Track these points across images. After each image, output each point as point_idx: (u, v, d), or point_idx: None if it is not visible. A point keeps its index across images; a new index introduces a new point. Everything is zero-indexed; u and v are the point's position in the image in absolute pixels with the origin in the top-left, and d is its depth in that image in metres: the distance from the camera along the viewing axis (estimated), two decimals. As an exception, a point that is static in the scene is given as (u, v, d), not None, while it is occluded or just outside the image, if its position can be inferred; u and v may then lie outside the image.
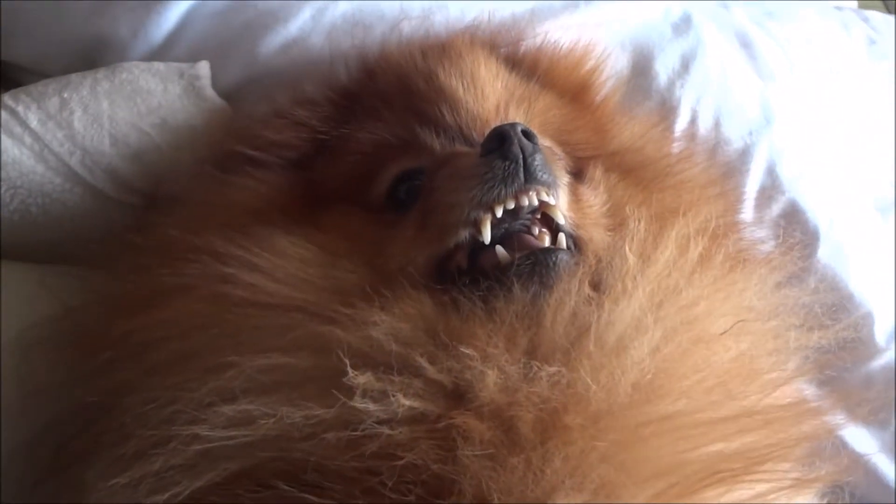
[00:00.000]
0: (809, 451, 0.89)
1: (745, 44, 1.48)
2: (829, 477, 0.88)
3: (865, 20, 1.69)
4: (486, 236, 0.89)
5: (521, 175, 0.90)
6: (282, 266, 0.91)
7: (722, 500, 0.78)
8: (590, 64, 1.22)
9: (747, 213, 1.29)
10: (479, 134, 1.01)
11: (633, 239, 0.93)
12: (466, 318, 0.83)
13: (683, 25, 1.45)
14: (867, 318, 1.25)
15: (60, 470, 0.92)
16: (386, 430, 0.75)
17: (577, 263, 0.89)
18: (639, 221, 0.94)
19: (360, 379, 0.77)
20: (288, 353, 0.82)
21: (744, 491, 0.79)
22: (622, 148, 1.15)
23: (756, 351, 0.91)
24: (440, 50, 1.13)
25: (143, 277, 0.96)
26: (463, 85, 1.06)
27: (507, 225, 0.91)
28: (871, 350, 1.24)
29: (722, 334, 0.87)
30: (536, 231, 0.92)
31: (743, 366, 0.88)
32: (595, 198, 1.04)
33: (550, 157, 0.96)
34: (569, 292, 0.85)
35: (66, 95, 1.17)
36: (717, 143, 1.33)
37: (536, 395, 0.78)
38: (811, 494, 0.88)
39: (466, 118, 1.04)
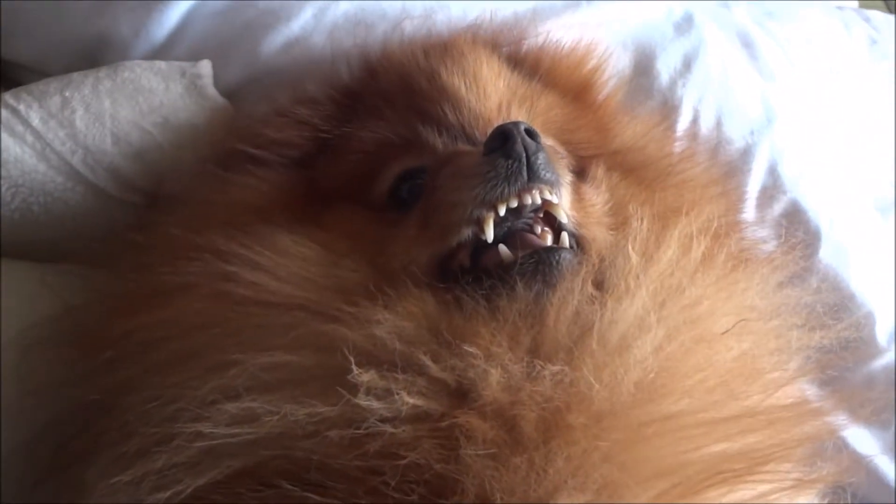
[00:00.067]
0: (811, 451, 0.89)
1: (747, 43, 1.48)
2: (830, 477, 0.88)
3: (867, 20, 1.70)
4: (489, 235, 0.89)
5: (525, 173, 0.89)
6: (284, 265, 0.91)
7: (724, 501, 0.78)
8: (592, 63, 1.22)
9: (749, 212, 1.29)
10: (482, 133, 1.01)
11: (635, 238, 0.92)
12: (469, 317, 0.83)
13: (685, 25, 1.45)
14: (868, 318, 1.25)
15: (60, 469, 0.92)
16: (389, 429, 0.75)
17: (580, 262, 0.89)
18: (641, 220, 0.94)
19: (364, 377, 0.77)
20: (291, 352, 0.82)
21: (746, 491, 0.79)
22: (624, 147, 1.15)
23: (758, 350, 0.91)
24: (442, 49, 1.13)
25: (144, 276, 0.96)
26: (465, 84, 1.06)
27: (509, 223, 0.91)
28: (873, 350, 1.24)
29: (724, 333, 0.87)
30: (539, 230, 0.92)
31: (745, 365, 0.88)
32: (597, 197, 1.04)
33: (553, 155, 0.96)
34: (572, 291, 0.85)
35: (67, 94, 1.17)
36: (718, 143, 1.33)
37: (539, 394, 0.78)
38: (813, 495, 0.88)
39: (469, 117, 1.04)
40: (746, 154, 1.33)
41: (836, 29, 1.63)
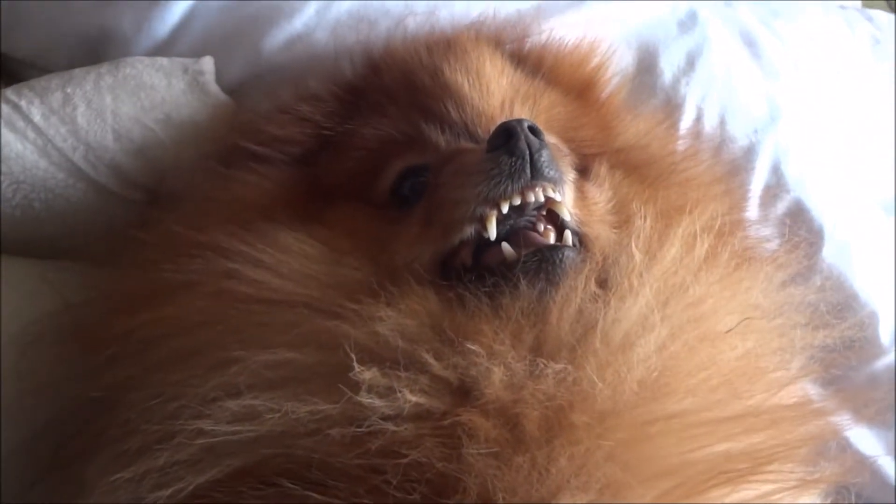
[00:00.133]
0: (814, 451, 0.89)
1: (750, 42, 1.48)
2: (833, 478, 0.88)
3: (870, 19, 1.69)
4: (492, 232, 0.89)
5: (528, 171, 0.89)
6: (286, 262, 0.91)
7: (727, 501, 0.77)
8: (595, 61, 1.22)
9: (752, 211, 1.29)
10: (485, 130, 1.01)
11: (639, 236, 0.92)
12: (472, 315, 0.83)
13: (689, 23, 1.45)
14: (872, 318, 1.24)
15: (61, 467, 0.92)
16: (391, 427, 0.75)
17: (583, 260, 0.89)
18: (645, 218, 0.94)
19: (366, 374, 0.77)
20: (293, 349, 0.81)
21: (749, 491, 0.79)
22: (627, 145, 1.15)
23: (761, 349, 0.90)
24: (445, 46, 1.13)
25: (146, 273, 0.96)
26: (468, 81, 1.06)
27: (511, 221, 0.91)
28: (876, 350, 1.24)
29: (727, 332, 0.87)
30: (541, 228, 0.92)
31: (748, 364, 0.88)
32: (600, 195, 1.04)
33: (556, 153, 0.95)
34: (575, 289, 0.85)
35: (69, 90, 1.16)
36: (722, 141, 1.33)
37: (542, 392, 0.77)
38: (816, 495, 0.88)
39: (472, 114, 1.04)
40: (750, 153, 1.33)
41: (840, 28, 1.63)
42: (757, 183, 1.31)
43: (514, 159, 0.89)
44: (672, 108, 1.34)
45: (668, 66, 1.38)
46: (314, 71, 1.22)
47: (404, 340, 0.80)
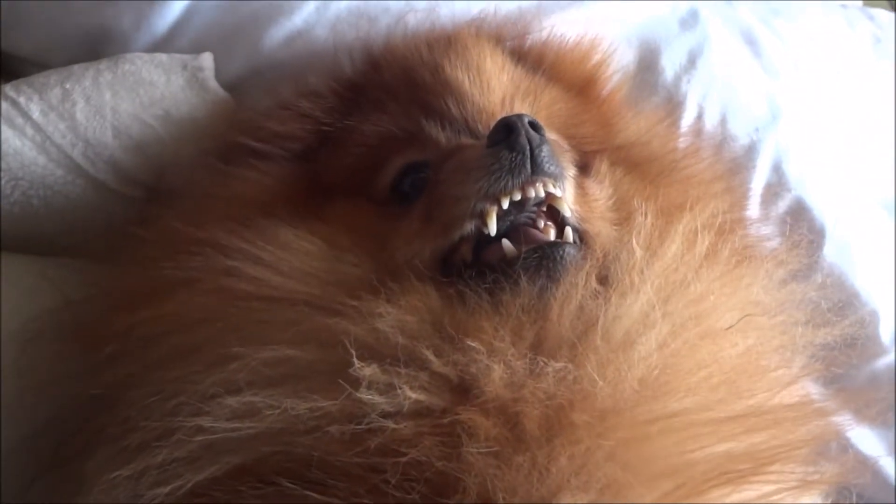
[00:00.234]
0: (815, 451, 0.88)
1: (751, 41, 1.48)
2: (834, 478, 0.87)
3: (871, 18, 1.69)
4: (492, 228, 0.88)
5: (528, 166, 0.89)
6: (286, 259, 0.90)
7: (728, 501, 0.77)
8: (596, 58, 1.22)
9: (753, 209, 1.28)
10: (485, 127, 1.01)
11: (639, 233, 0.92)
12: (472, 311, 0.83)
13: (691, 20, 1.45)
14: (873, 316, 1.24)
15: (61, 465, 0.92)
16: (391, 424, 0.75)
17: (583, 257, 0.89)
18: (645, 215, 0.94)
19: (366, 370, 0.77)
20: (293, 346, 0.81)
21: (750, 492, 0.79)
22: (628, 142, 1.15)
23: (762, 347, 0.90)
24: (446, 42, 1.13)
25: (145, 270, 0.95)
26: (469, 77, 1.06)
27: (512, 217, 0.90)
28: (877, 349, 1.24)
29: (728, 329, 0.87)
30: (542, 224, 0.91)
31: (749, 362, 0.87)
32: (601, 192, 1.04)
33: (557, 149, 0.95)
34: (576, 286, 0.84)
35: (68, 86, 1.16)
36: (723, 140, 1.33)
37: (542, 391, 0.77)
38: (817, 495, 0.87)
39: (472, 111, 1.03)
40: (751, 151, 1.33)
41: (840, 27, 1.63)
42: (758, 181, 1.31)
43: (514, 154, 0.89)
44: (673, 105, 1.34)
45: (670, 64, 1.38)
46: (314, 67, 1.21)
47: (404, 337, 0.80)
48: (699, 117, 1.34)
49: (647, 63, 1.38)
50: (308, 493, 0.73)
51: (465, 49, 1.11)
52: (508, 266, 0.86)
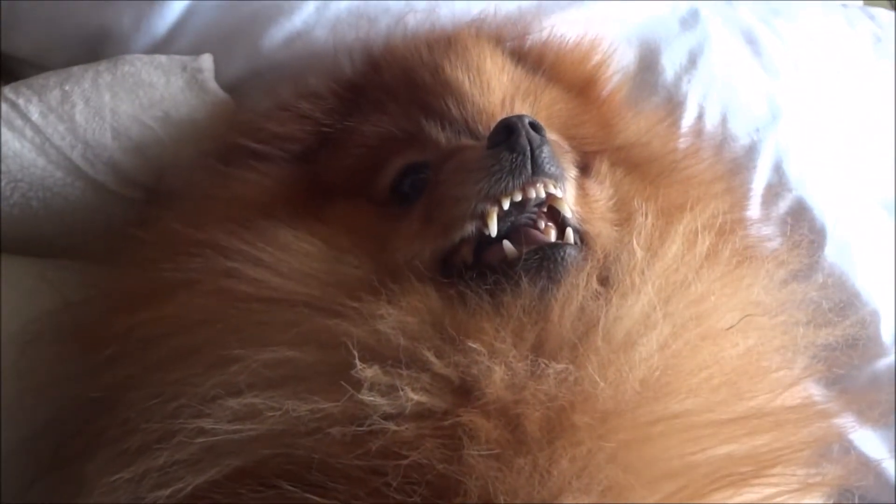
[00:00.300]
0: (817, 453, 0.88)
1: (751, 40, 1.48)
2: (836, 480, 0.87)
3: (871, 17, 1.69)
4: (493, 229, 0.88)
5: (529, 167, 0.89)
6: (286, 260, 0.90)
7: (729, 503, 0.77)
8: (596, 58, 1.22)
9: (754, 210, 1.28)
10: (485, 127, 1.01)
11: (640, 233, 0.92)
12: (473, 312, 0.82)
13: (691, 20, 1.45)
14: (874, 316, 1.24)
15: (61, 467, 0.91)
16: (392, 426, 0.75)
17: (584, 258, 0.88)
18: (646, 216, 0.94)
19: (368, 372, 0.77)
20: (294, 347, 0.81)
21: (752, 494, 0.78)
22: (628, 143, 1.15)
23: (763, 347, 0.90)
24: (446, 43, 1.13)
25: (145, 272, 0.95)
26: (469, 78, 1.06)
27: (512, 218, 0.90)
28: (878, 350, 1.23)
29: (729, 329, 0.87)
30: (542, 225, 0.91)
31: (750, 363, 0.87)
32: (601, 192, 1.03)
33: (558, 149, 0.95)
34: (577, 287, 0.84)
35: (67, 88, 1.16)
36: (723, 140, 1.33)
37: (543, 392, 0.77)
38: (818, 496, 0.87)
39: (472, 111, 1.03)
40: (752, 151, 1.33)
41: (841, 26, 1.63)
42: (759, 182, 1.31)
43: (515, 155, 0.89)
44: (673, 105, 1.33)
45: (670, 64, 1.38)
46: (314, 68, 1.22)
47: (405, 338, 0.79)
48: (700, 117, 1.34)
49: (648, 63, 1.38)
50: (308, 495, 0.73)
51: (466, 49, 1.10)
52: (509, 267, 0.86)
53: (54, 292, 1.04)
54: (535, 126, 0.90)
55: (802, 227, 1.22)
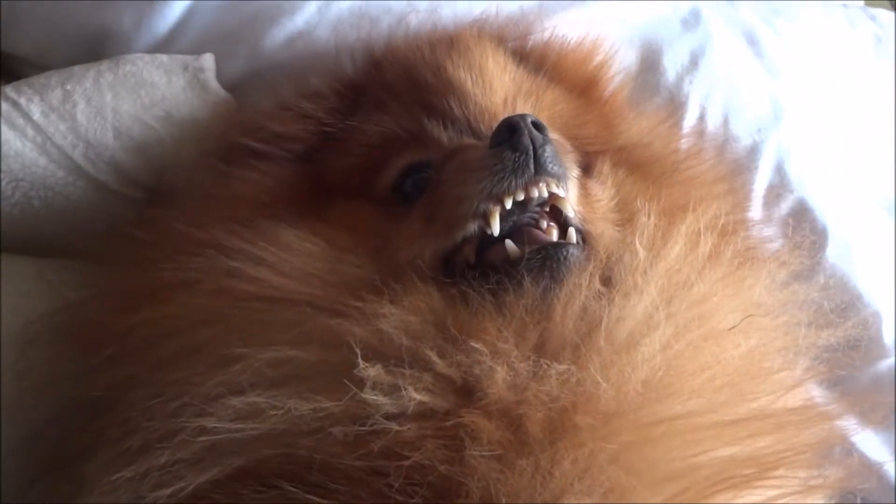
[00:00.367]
0: (820, 455, 0.88)
1: (752, 41, 1.48)
2: (838, 483, 0.87)
3: (872, 18, 1.69)
4: (496, 228, 0.88)
5: (531, 166, 0.89)
6: (288, 260, 0.90)
7: None
8: (598, 59, 1.22)
9: (756, 211, 1.28)
10: (487, 127, 1.01)
11: (643, 233, 0.92)
12: (476, 312, 0.82)
13: (693, 21, 1.45)
14: (875, 317, 1.24)
15: (61, 466, 0.91)
16: (394, 426, 0.74)
17: (587, 258, 0.88)
18: (648, 216, 0.94)
19: (371, 371, 0.77)
20: (296, 347, 0.81)
21: (754, 496, 0.78)
22: (630, 143, 1.15)
23: (765, 348, 0.89)
24: (448, 43, 1.13)
25: (146, 272, 0.95)
26: (471, 78, 1.06)
27: (515, 218, 0.90)
28: (879, 351, 1.23)
29: (731, 329, 0.87)
30: (544, 224, 0.91)
31: (752, 363, 0.87)
32: (603, 192, 1.03)
33: (560, 149, 0.95)
34: (579, 287, 0.84)
35: (69, 87, 1.16)
36: (725, 140, 1.33)
37: (546, 393, 0.77)
38: (820, 497, 0.87)
39: (474, 111, 1.03)
40: (753, 152, 1.33)
41: (841, 27, 1.63)
42: (760, 182, 1.31)
43: (517, 154, 0.89)
44: (675, 106, 1.33)
45: (672, 65, 1.38)
46: (315, 68, 1.22)
47: (408, 338, 0.79)
48: (701, 118, 1.34)
49: (649, 64, 1.38)
50: (309, 496, 0.73)
51: (468, 49, 1.10)
52: (512, 267, 0.86)
53: (54, 292, 1.04)
54: (537, 125, 0.90)
55: (804, 228, 1.22)
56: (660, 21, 1.44)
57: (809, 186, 1.32)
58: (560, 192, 0.91)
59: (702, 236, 0.93)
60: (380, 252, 0.93)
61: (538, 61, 1.16)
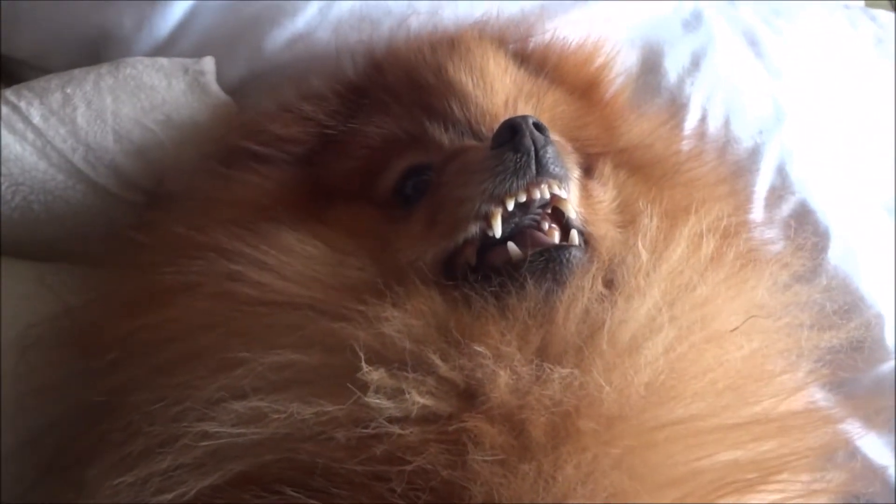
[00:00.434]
0: (823, 458, 0.87)
1: (753, 41, 1.48)
2: (842, 487, 0.86)
3: (873, 19, 1.69)
4: (497, 230, 0.88)
5: (533, 167, 0.88)
6: (289, 263, 0.90)
7: None
8: (599, 60, 1.22)
9: (758, 212, 1.28)
10: (488, 129, 1.00)
11: (645, 235, 0.91)
12: (478, 315, 0.82)
13: (694, 22, 1.45)
14: (878, 319, 1.23)
15: (61, 469, 0.91)
16: (397, 430, 0.74)
17: (589, 260, 0.88)
18: (651, 218, 0.93)
19: (374, 374, 0.76)
20: (299, 351, 0.80)
21: (757, 501, 0.78)
22: (631, 145, 1.14)
23: (768, 350, 0.89)
24: (449, 44, 1.13)
25: (147, 275, 0.95)
26: (472, 79, 1.05)
27: (516, 220, 0.90)
28: (882, 353, 1.22)
29: (733, 331, 0.86)
30: (546, 226, 0.91)
31: (755, 366, 0.87)
32: (605, 194, 1.03)
33: (562, 150, 0.95)
34: (582, 289, 0.84)
35: (69, 91, 1.16)
36: (727, 142, 1.33)
37: (548, 397, 0.76)
38: (824, 500, 0.86)
39: (475, 113, 1.03)
40: (755, 154, 1.33)
41: (842, 27, 1.63)
42: (762, 184, 1.31)
43: (519, 155, 0.88)
44: (677, 108, 1.33)
45: (673, 66, 1.38)
46: (316, 70, 1.21)
47: (411, 341, 0.79)
48: (703, 119, 1.34)
49: (651, 65, 1.38)
50: (311, 501, 0.73)
51: (469, 51, 1.10)
52: (514, 269, 0.85)
53: (55, 296, 1.04)
54: (539, 126, 0.90)
55: (806, 230, 1.21)
56: (661, 22, 1.44)
57: (811, 188, 1.31)
58: (562, 193, 0.90)
59: (704, 238, 0.93)
60: (381, 255, 0.93)
61: (539, 63, 1.16)
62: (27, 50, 1.32)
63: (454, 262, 0.91)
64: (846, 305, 1.08)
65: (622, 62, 1.27)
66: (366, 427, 0.75)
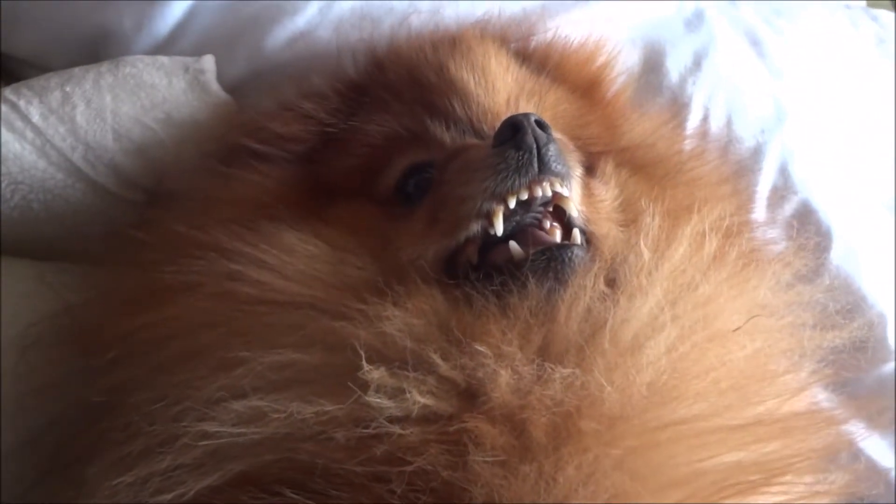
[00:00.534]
0: (826, 459, 0.87)
1: (755, 41, 1.48)
2: (846, 488, 0.86)
3: (874, 19, 1.69)
4: (499, 228, 0.88)
5: (535, 165, 0.88)
6: (290, 263, 0.90)
7: None
8: (601, 59, 1.22)
9: (760, 212, 1.28)
10: (490, 127, 1.00)
11: (647, 234, 0.91)
12: (479, 314, 0.82)
13: (696, 22, 1.45)
14: (881, 319, 1.23)
15: (61, 469, 0.91)
16: (397, 430, 0.74)
17: (591, 259, 0.88)
18: (653, 217, 0.93)
19: (375, 374, 0.76)
20: (299, 350, 0.80)
21: (760, 503, 0.77)
22: (633, 144, 1.14)
23: (770, 349, 0.89)
24: (451, 43, 1.12)
25: (147, 274, 0.94)
26: (474, 78, 1.05)
27: (518, 218, 0.89)
28: (884, 353, 1.22)
29: (735, 331, 0.86)
30: (548, 224, 0.91)
31: (757, 365, 0.86)
32: (606, 193, 1.03)
33: (564, 148, 0.94)
34: (584, 288, 0.83)
35: (68, 89, 1.15)
36: (729, 141, 1.33)
37: (550, 397, 0.76)
38: (826, 500, 0.86)
39: (477, 111, 1.03)
40: (757, 153, 1.33)
41: (844, 27, 1.63)
42: (764, 184, 1.31)
43: (521, 153, 0.88)
44: (678, 107, 1.33)
45: (675, 66, 1.38)
46: (317, 69, 1.21)
47: (412, 340, 0.79)
48: (705, 119, 1.34)
49: (653, 64, 1.38)
50: (310, 502, 0.72)
51: (470, 49, 1.10)
52: (516, 268, 0.85)
53: (55, 295, 1.03)
54: (541, 124, 0.90)
55: (808, 230, 1.21)
56: (663, 22, 1.44)
57: (813, 188, 1.31)
58: (564, 191, 0.90)
59: (706, 237, 0.92)
60: (382, 253, 0.93)
61: (541, 62, 1.16)
62: (27, 49, 1.32)
63: (456, 260, 0.90)
64: (848, 305, 1.07)
65: (624, 61, 1.27)
66: (366, 427, 0.75)
